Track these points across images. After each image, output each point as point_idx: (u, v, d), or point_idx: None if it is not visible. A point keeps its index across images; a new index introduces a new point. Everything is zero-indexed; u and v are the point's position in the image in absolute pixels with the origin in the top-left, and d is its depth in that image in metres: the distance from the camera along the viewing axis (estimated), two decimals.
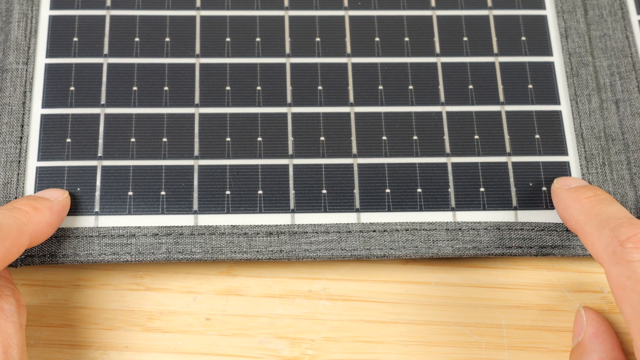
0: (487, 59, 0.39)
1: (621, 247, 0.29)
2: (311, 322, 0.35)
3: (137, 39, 0.38)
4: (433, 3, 0.40)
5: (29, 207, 0.32)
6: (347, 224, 0.35)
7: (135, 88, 0.37)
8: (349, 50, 0.39)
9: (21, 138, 0.36)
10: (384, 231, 0.35)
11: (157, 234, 0.35)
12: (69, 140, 0.36)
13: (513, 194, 0.36)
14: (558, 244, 0.35)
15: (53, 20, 0.39)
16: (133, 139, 0.37)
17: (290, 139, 0.37)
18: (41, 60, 0.38)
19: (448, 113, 0.38)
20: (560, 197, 0.34)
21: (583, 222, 0.32)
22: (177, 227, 0.35)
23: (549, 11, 0.40)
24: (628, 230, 0.29)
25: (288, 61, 0.38)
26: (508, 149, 0.37)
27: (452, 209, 0.36)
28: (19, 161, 0.36)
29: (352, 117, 0.37)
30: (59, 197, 0.34)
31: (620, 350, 0.33)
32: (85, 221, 0.35)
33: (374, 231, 0.35)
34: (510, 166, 0.37)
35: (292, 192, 0.36)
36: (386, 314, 0.35)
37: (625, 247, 0.29)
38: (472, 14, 0.40)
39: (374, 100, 0.38)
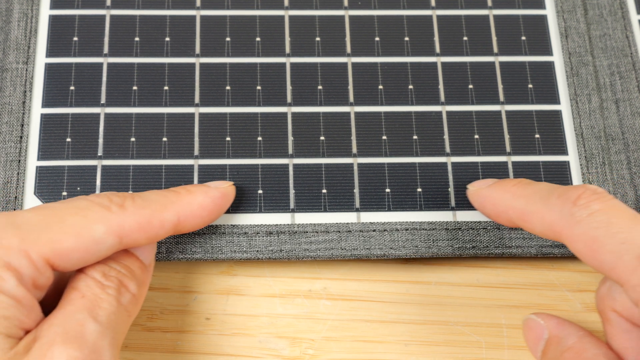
0: (487, 59, 0.39)
1: (576, 207, 0.29)
2: (311, 321, 0.35)
3: (137, 39, 0.38)
4: (433, 3, 0.40)
5: (182, 189, 0.33)
6: (347, 223, 0.35)
7: (135, 88, 0.37)
8: (349, 49, 0.39)
9: (21, 137, 0.36)
10: (384, 231, 0.35)
11: None
12: (69, 139, 0.36)
13: None
14: (558, 244, 0.35)
15: (53, 19, 0.39)
16: (133, 139, 0.37)
17: (290, 138, 0.37)
18: (41, 59, 0.38)
19: (448, 113, 0.38)
20: (484, 195, 0.34)
21: (523, 205, 0.31)
22: None
23: (549, 11, 0.40)
24: (574, 191, 0.29)
25: (288, 61, 0.38)
26: (508, 149, 0.37)
27: (452, 209, 0.36)
28: (19, 160, 0.36)
29: (352, 116, 0.37)
30: (221, 185, 0.34)
31: (585, 329, 0.32)
32: None
33: (374, 231, 0.35)
34: (510, 166, 0.37)
35: (292, 191, 0.36)
36: (386, 313, 0.35)
37: (579, 205, 0.29)
38: (472, 13, 0.40)
39: (374, 100, 0.38)
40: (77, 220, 0.28)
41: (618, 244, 0.27)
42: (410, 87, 0.38)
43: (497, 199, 0.33)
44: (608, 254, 0.28)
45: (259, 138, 0.37)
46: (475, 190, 0.34)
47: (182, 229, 0.32)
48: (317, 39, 0.39)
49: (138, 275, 0.30)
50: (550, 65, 0.39)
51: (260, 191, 0.36)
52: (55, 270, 0.28)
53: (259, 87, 0.38)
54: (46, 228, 0.27)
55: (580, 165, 0.37)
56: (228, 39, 0.39)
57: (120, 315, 0.29)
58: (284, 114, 0.37)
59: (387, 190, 0.36)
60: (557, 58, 0.39)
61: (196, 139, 0.37)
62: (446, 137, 0.37)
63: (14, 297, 0.26)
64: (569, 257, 0.36)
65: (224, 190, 0.34)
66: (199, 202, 0.32)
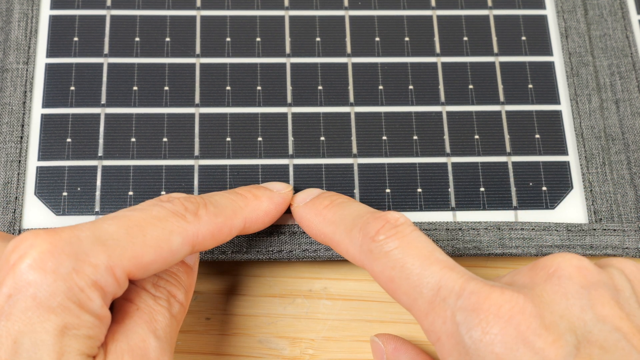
0: (487, 59, 0.39)
1: (374, 243, 0.29)
2: (311, 321, 0.35)
3: (137, 39, 0.38)
4: (433, 3, 0.40)
5: (248, 193, 0.33)
6: None
7: (135, 88, 0.37)
8: (349, 50, 0.39)
9: (21, 138, 0.36)
10: None
11: None
12: (69, 140, 0.36)
13: (513, 193, 0.36)
14: (558, 244, 0.35)
15: (53, 20, 0.39)
16: (133, 139, 0.37)
17: (291, 138, 0.37)
18: (41, 60, 0.38)
19: (448, 113, 0.38)
20: (300, 215, 0.33)
21: (331, 233, 0.31)
22: None
23: (549, 11, 0.40)
24: (374, 224, 0.29)
25: (288, 61, 0.38)
26: (508, 149, 0.37)
27: (452, 209, 0.36)
28: (20, 161, 0.36)
29: (352, 117, 0.37)
30: (282, 189, 0.34)
31: (425, 354, 0.33)
32: (86, 221, 0.35)
33: None
34: (510, 166, 0.37)
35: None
36: (386, 313, 0.35)
37: (377, 242, 0.29)
38: (472, 13, 0.40)
39: (374, 100, 0.38)
40: (157, 232, 0.28)
41: (412, 287, 0.27)
42: (411, 87, 0.38)
43: (311, 222, 0.32)
44: (404, 295, 0.28)
45: (259, 138, 0.37)
46: (294, 208, 0.34)
47: (244, 232, 0.32)
48: (317, 39, 0.39)
49: (184, 281, 0.30)
50: (550, 66, 0.39)
51: None
52: (131, 280, 0.28)
53: (259, 88, 0.38)
54: (130, 243, 0.27)
55: (581, 165, 0.37)
56: (228, 39, 0.39)
57: (172, 326, 0.29)
58: (284, 115, 0.37)
59: (388, 190, 0.36)
60: (557, 58, 0.39)
61: (196, 139, 0.37)
62: (446, 137, 0.37)
63: (98, 316, 0.26)
64: None
65: (285, 195, 0.34)
66: (265, 209, 0.33)
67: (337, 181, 0.36)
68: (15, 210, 0.35)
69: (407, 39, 0.39)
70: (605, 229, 0.36)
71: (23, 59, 0.37)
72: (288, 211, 0.35)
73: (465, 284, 0.27)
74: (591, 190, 0.36)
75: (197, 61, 0.38)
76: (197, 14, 0.39)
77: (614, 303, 0.26)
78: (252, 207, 0.32)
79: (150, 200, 0.30)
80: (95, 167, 0.36)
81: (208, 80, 0.38)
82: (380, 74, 0.38)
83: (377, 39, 0.39)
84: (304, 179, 0.36)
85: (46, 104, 0.37)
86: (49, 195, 0.35)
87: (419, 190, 0.36)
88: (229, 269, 0.36)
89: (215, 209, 0.30)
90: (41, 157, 0.36)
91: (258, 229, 0.33)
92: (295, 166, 0.36)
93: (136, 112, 0.37)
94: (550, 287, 0.27)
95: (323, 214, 0.32)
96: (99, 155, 0.36)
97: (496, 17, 0.40)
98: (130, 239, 0.27)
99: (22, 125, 0.36)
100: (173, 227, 0.28)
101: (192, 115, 0.37)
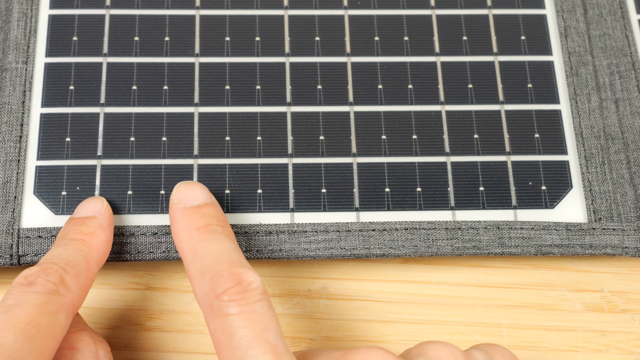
0: (487, 58, 0.39)
1: (217, 300, 0.28)
2: (311, 321, 0.35)
3: (136, 38, 0.38)
4: (432, 2, 0.40)
5: (81, 234, 0.32)
6: (347, 223, 0.35)
7: (134, 87, 0.37)
8: (348, 49, 0.39)
9: (21, 137, 0.36)
10: (384, 230, 0.35)
11: (157, 233, 0.35)
12: (68, 139, 0.36)
13: (512, 193, 0.36)
14: (557, 243, 0.35)
15: (53, 19, 0.39)
16: (132, 138, 0.37)
17: (290, 138, 0.37)
18: (41, 59, 0.38)
19: (447, 112, 0.38)
20: (173, 217, 0.32)
21: (189, 261, 0.30)
22: None
23: (549, 10, 0.40)
24: (226, 281, 0.28)
25: (287, 60, 0.38)
26: (507, 148, 0.37)
27: (452, 208, 0.36)
28: (19, 160, 0.36)
29: (352, 116, 0.37)
30: (101, 209, 0.33)
31: None
32: None
33: (374, 230, 0.35)
34: (509, 165, 0.37)
35: (291, 191, 0.36)
36: (386, 313, 0.35)
37: (221, 300, 0.28)
38: (471, 13, 0.40)
39: (374, 100, 0.38)
40: (47, 321, 0.27)
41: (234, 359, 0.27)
42: (410, 86, 0.38)
43: (179, 232, 0.31)
44: None
45: (259, 137, 0.37)
46: (172, 204, 0.33)
47: (99, 268, 0.32)
48: (317, 38, 0.39)
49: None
50: (549, 65, 0.39)
51: (259, 191, 0.36)
52: None
53: (258, 87, 0.38)
54: (34, 348, 0.26)
55: (580, 164, 0.37)
56: (227, 38, 0.39)
57: None
58: (284, 114, 0.37)
59: (387, 189, 0.36)
60: (556, 58, 0.39)
61: (195, 138, 0.37)
62: (445, 136, 0.37)
63: None
64: (568, 256, 0.36)
65: (107, 213, 0.33)
66: (104, 239, 0.32)
67: (336, 180, 0.36)
68: (14, 209, 0.35)
69: (406, 38, 0.39)
70: (604, 229, 0.36)
71: (22, 59, 0.37)
72: (282, 210, 0.35)
73: None
74: (590, 190, 0.36)
75: (196, 60, 0.38)
76: (197, 13, 0.39)
77: None
78: (95, 246, 0.32)
79: (11, 290, 0.29)
80: (94, 167, 0.36)
81: (207, 79, 0.38)
82: (380, 74, 0.38)
83: (377, 38, 0.39)
84: (304, 178, 0.36)
85: (45, 103, 0.37)
86: (48, 194, 0.35)
87: (419, 189, 0.36)
88: None
89: (73, 269, 0.30)
90: (40, 156, 0.36)
91: (104, 261, 0.32)
92: (295, 165, 0.36)
93: (135, 112, 0.37)
94: None
95: (192, 235, 0.31)
96: (98, 154, 0.36)
97: (495, 16, 0.40)
98: (32, 343, 0.26)
99: (21, 125, 0.36)
100: (56, 308, 0.28)
101: (191, 115, 0.37)
